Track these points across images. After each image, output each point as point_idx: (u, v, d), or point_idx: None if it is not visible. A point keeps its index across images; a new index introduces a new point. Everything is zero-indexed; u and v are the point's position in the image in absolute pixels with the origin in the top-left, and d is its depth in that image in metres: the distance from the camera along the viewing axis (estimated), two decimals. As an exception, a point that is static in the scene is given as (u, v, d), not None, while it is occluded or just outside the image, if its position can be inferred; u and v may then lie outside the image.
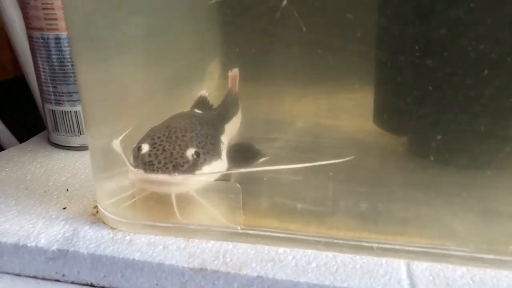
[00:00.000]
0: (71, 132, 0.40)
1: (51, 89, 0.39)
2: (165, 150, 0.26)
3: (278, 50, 0.32)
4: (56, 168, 0.36)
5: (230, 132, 0.34)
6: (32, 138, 0.44)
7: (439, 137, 0.28)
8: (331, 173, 0.30)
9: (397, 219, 0.27)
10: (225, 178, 0.27)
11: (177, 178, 0.24)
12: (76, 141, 0.40)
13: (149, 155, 0.25)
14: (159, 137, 0.27)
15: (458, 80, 0.28)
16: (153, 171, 0.25)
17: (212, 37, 0.38)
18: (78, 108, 0.39)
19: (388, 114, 0.33)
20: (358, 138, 0.35)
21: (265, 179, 0.28)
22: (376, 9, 0.29)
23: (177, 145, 0.26)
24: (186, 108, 0.34)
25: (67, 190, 0.32)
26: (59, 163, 0.37)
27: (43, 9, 0.35)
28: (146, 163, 0.25)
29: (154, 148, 0.26)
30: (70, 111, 0.39)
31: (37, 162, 0.37)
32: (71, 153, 0.39)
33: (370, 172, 0.32)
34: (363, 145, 0.34)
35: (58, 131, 0.40)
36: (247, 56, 0.32)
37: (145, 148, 0.26)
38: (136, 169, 0.25)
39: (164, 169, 0.25)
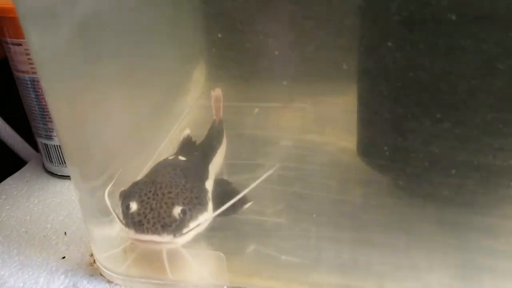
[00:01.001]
0: (65, 163, 0.41)
1: (41, 125, 0.39)
2: (153, 208, 0.27)
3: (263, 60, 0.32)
4: (54, 204, 0.38)
5: (216, 167, 0.35)
6: (28, 164, 0.45)
7: (424, 174, 0.29)
8: (314, 215, 0.32)
9: (376, 272, 0.29)
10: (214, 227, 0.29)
11: (166, 238, 0.26)
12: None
13: (138, 214, 0.27)
14: (145, 194, 0.28)
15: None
16: (143, 231, 0.26)
17: (195, 42, 0.37)
18: (70, 140, 0.40)
19: (372, 151, 0.33)
20: (342, 163, 0.36)
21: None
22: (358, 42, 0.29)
23: (164, 203, 0.27)
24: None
25: (65, 233, 0.34)
26: (56, 198, 0.39)
27: (26, 54, 0.35)
28: (136, 223, 0.26)
29: (142, 206, 0.27)
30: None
31: (35, 198, 0.39)
32: (66, 184, 0.41)
33: (352, 211, 0.33)
34: (347, 174, 0.35)
35: (52, 162, 0.41)
36: (232, 57, 0.31)
37: (134, 206, 0.27)
38: (127, 229, 0.27)
39: (154, 230, 0.26)
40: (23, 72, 0.37)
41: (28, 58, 0.36)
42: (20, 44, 0.35)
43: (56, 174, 0.42)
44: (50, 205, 0.38)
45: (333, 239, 0.31)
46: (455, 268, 0.28)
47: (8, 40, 0.35)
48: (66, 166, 0.41)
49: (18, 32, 0.34)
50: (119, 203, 0.28)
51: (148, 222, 0.26)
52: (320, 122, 0.36)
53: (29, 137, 0.48)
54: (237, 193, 0.33)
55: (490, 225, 0.29)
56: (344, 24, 0.28)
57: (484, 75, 0.25)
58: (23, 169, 0.44)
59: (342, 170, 0.36)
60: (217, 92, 0.35)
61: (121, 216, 0.27)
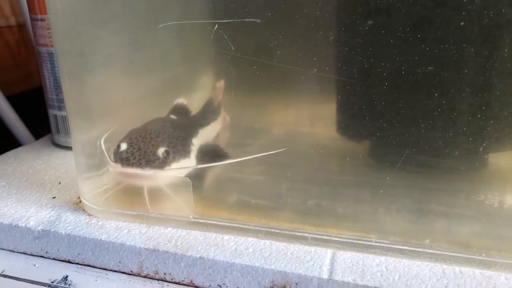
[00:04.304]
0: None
1: (54, 96, 0.44)
2: (140, 148, 0.30)
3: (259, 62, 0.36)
4: (54, 165, 0.42)
5: (206, 136, 0.38)
6: (41, 139, 0.49)
7: (390, 142, 0.31)
8: (289, 174, 0.34)
9: (336, 214, 0.30)
10: (195, 177, 0.31)
11: (149, 172, 0.29)
12: (76, 142, 0.45)
13: (126, 152, 0.30)
14: (136, 138, 0.31)
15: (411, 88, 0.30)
16: (128, 165, 0.29)
17: (204, 49, 0.42)
18: (78, 113, 0.44)
19: (348, 122, 0.36)
20: (322, 144, 0.38)
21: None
22: (336, 19, 0.32)
23: (151, 145, 0.30)
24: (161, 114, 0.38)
25: (59, 183, 0.37)
26: (58, 160, 0.43)
27: (48, 28, 0.41)
28: (124, 159, 0.30)
29: (131, 146, 0.30)
30: (71, 116, 0.45)
31: (40, 159, 0.43)
32: (69, 153, 0.45)
33: (325, 174, 0.35)
34: (325, 150, 0.37)
35: (60, 133, 0.45)
36: (235, 68, 0.36)
37: (123, 146, 0.30)
38: (114, 164, 0.30)
39: (138, 164, 0.29)
40: (42, 45, 0.42)
41: (48, 32, 0.41)
42: (43, 20, 0.41)
43: (62, 146, 0.46)
44: (51, 165, 0.41)
45: (302, 191, 0.33)
46: (409, 212, 0.29)
47: (37, 16, 0.41)
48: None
49: (42, 8, 0.40)
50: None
51: (134, 158, 0.29)
52: (304, 120, 0.39)
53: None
54: (220, 150, 0.36)
55: (450, 188, 0.31)
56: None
57: (451, 40, 0.28)
58: (33, 143, 0.48)
59: (322, 148, 0.38)
60: (221, 83, 0.39)
61: (111, 155, 0.31)
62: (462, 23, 0.26)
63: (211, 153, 0.35)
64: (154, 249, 0.28)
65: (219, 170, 0.34)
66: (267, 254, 0.27)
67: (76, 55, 0.31)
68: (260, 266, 0.26)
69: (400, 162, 0.29)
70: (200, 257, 0.27)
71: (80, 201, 0.34)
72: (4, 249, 0.32)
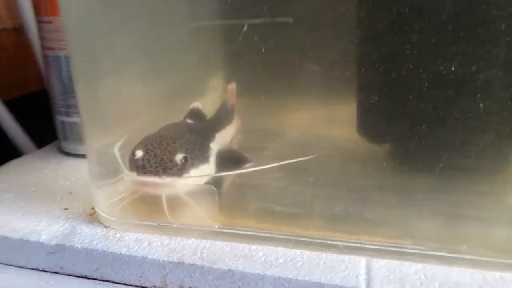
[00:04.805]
0: (79, 141, 0.43)
1: (62, 102, 0.43)
2: (157, 155, 0.29)
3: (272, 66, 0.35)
4: (63, 173, 0.40)
5: (222, 140, 0.37)
6: (46, 147, 0.48)
7: (415, 145, 0.30)
8: (312, 179, 0.32)
9: (365, 220, 0.29)
10: (215, 183, 0.30)
11: (167, 180, 0.27)
12: (83, 149, 0.44)
13: (142, 159, 0.28)
14: (151, 144, 0.30)
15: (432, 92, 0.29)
16: (145, 173, 0.28)
17: (215, 53, 0.41)
18: (85, 119, 0.43)
19: (370, 124, 0.35)
20: (342, 147, 0.37)
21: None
22: (357, 20, 0.31)
23: (167, 151, 0.29)
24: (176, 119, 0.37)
25: (70, 193, 0.36)
26: (66, 169, 0.41)
27: (55, 31, 0.40)
28: (139, 167, 0.28)
29: (147, 153, 0.29)
30: (79, 123, 0.43)
31: (47, 169, 0.41)
32: (78, 160, 0.43)
33: (349, 178, 0.34)
34: (346, 153, 0.36)
35: (68, 140, 0.44)
36: (246, 71, 0.34)
37: (139, 153, 0.29)
38: (130, 172, 0.28)
39: (155, 172, 0.28)
40: (49, 48, 0.41)
41: (56, 35, 0.40)
42: (50, 22, 0.39)
43: (70, 153, 0.44)
44: (60, 174, 0.40)
45: (327, 197, 0.32)
46: (442, 216, 0.28)
47: (44, 18, 0.40)
48: (80, 144, 0.43)
49: (49, 10, 0.39)
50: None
51: (151, 166, 0.28)
52: (322, 122, 0.38)
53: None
54: (239, 154, 0.34)
55: (481, 190, 0.30)
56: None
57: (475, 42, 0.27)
58: (37, 151, 0.47)
59: (342, 151, 0.37)
60: (232, 86, 0.38)
61: (127, 164, 0.29)
62: (493, 23, 0.25)
63: (230, 159, 0.34)
64: (179, 262, 0.26)
65: (237, 176, 0.33)
66: (299, 265, 0.26)
67: (91, 59, 0.30)
68: (294, 278, 0.25)
69: (435, 166, 0.28)
70: (229, 269, 0.25)
71: (95, 212, 0.32)
72: (13, 266, 0.30)
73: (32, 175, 0.40)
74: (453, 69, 0.27)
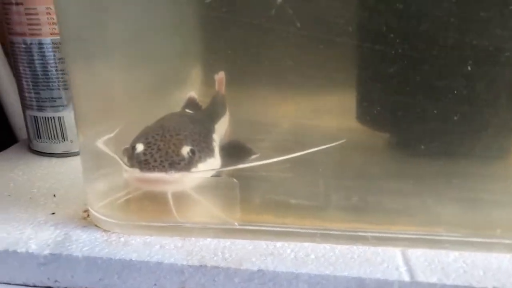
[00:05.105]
0: (54, 138, 0.39)
1: (33, 95, 0.38)
2: (160, 149, 0.25)
3: (261, 52, 0.33)
4: (40, 175, 0.35)
5: (219, 132, 0.34)
6: (11, 147, 0.42)
7: (421, 129, 0.29)
8: (320, 169, 0.30)
9: (387, 210, 0.28)
10: (217, 175, 0.27)
11: (174, 176, 0.24)
12: (59, 147, 0.39)
13: (144, 154, 0.25)
14: (153, 137, 0.26)
15: (440, 72, 0.29)
16: (149, 169, 0.24)
17: (194, 42, 0.38)
18: (62, 114, 0.38)
19: (371, 110, 0.34)
20: (341, 136, 0.35)
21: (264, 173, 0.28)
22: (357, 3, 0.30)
23: (172, 144, 0.26)
24: (173, 109, 0.34)
25: (54, 195, 0.31)
26: (42, 170, 0.36)
27: (26, 14, 0.35)
28: (142, 162, 0.25)
29: (149, 147, 0.26)
30: (53, 117, 0.38)
31: (19, 170, 0.36)
32: (53, 160, 0.38)
33: (356, 167, 0.33)
34: (347, 142, 0.35)
35: (41, 137, 0.39)
36: (230, 60, 0.32)
37: (140, 147, 0.26)
38: (131, 168, 0.25)
39: (161, 168, 0.24)
40: (18, 34, 0.36)
41: (27, 19, 0.35)
42: (21, 3, 0.35)
43: (44, 153, 0.39)
44: (36, 175, 0.35)
45: (340, 187, 0.30)
46: (461, 202, 0.28)
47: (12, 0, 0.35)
48: (55, 142, 0.39)
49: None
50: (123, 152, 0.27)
51: (155, 161, 0.25)
52: (317, 112, 0.37)
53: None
54: (243, 145, 0.32)
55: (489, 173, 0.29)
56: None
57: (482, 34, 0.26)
58: (5, 151, 0.41)
59: (341, 137, 0.35)
60: (220, 74, 0.36)
61: (125, 159, 0.26)
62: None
63: (234, 150, 0.32)
64: (201, 265, 0.23)
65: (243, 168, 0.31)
66: (333, 260, 0.24)
67: (86, 42, 0.26)
68: (331, 274, 0.23)
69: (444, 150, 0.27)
70: (258, 269, 0.23)
71: (89, 215, 0.28)
72: (-4, 282, 0.26)
73: (2, 178, 0.35)
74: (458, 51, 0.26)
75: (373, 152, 0.34)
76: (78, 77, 0.27)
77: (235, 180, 0.25)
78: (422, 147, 0.30)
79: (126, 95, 0.32)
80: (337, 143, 0.26)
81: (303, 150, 0.35)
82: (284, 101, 0.36)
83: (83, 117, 0.28)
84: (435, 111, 0.29)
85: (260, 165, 0.29)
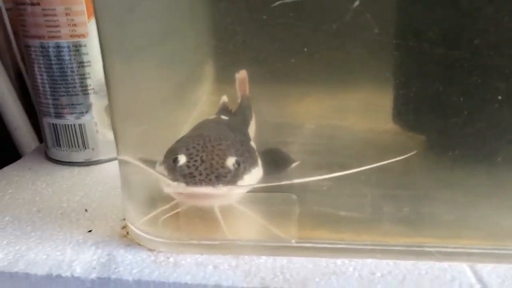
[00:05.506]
0: (75, 146, 0.37)
1: (51, 101, 0.35)
2: (204, 160, 0.24)
3: (282, 50, 0.31)
4: (65, 186, 0.33)
5: (252, 137, 0.33)
6: (27, 155, 0.40)
7: (461, 133, 0.28)
8: (363, 177, 0.29)
9: (444, 222, 0.27)
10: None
11: (222, 189, 0.23)
12: (80, 156, 0.37)
13: (188, 166, 0.23)
14: (194, 147, 0.25)
15: (482, 76, 0.27)
16: (195, 183, 0.23)
17: (207, 39, 0.36)
18: (82, 120, 0.36)
19: (409, 112, 0.33)
20: (371, 138, 0.34)
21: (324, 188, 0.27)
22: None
23: (215, 155, 0.24)
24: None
25: (86, 210, 0.29)
26: (66, 181, 0.34)
27: (44, 15, 0.32)
28: (187, 176, 0.23)
29: (192, 158, 0.24)
30: (74, 125, 0.36)
31: (42, 182, 0.34)
32: (75, 170, 0.36)
33: (397, 174, 0.31)
34: (380, 145, 0.33)
35: (60, 146, 0.37)
36: (244, 57, 0.30)
37: (182, 159, 0.24)
38: (175, 183, 0.23)
39: (207, 181, 0.23)
40: (34, 37, 0.33)
41: (45, 20, 0.33)
42: (38, 4, 0.32)
43: (64, 161, 0.37)
44: (61, 187, 0.33)
45: (388, 197, 0.29)
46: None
47: (27, 0, 0.32)
48: (76, 150, 0.37)
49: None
50: (161, 164, 0.25)
51: (201, 174, 0.23)
52: (344, 112, 0.35)
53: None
54: (281, 152, 0.30)
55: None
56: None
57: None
58: (21, 159, 0.39)
59: (374, 143, 0.34)
60: (242, 73, 0.34)
61: (165, 172, 0.24)
62: None
63: (273, 158, 0.30)
64: (263, 288, 0.22)
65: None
66: (401, 277, 0.23)
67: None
68: (404, 294, 0.21)
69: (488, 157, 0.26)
70: (325, 291, 0.22)
71: (128, 232, 0.27)
72: (35, 308, 0.24)
73: (26, 191, 0.32)
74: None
75: (413, 157, 0.33)
76: (118, 80, 0.25)
77: (293, 195, 0.24)
78: (468, 152, 0.29)
79: (158, 98, 0.30)
80: (406, 155, 0.25)
81: (332, 153, 0.33)
82: (315, 101, 0.34)
83: (122, 123, 0.26)
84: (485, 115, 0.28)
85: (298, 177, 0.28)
